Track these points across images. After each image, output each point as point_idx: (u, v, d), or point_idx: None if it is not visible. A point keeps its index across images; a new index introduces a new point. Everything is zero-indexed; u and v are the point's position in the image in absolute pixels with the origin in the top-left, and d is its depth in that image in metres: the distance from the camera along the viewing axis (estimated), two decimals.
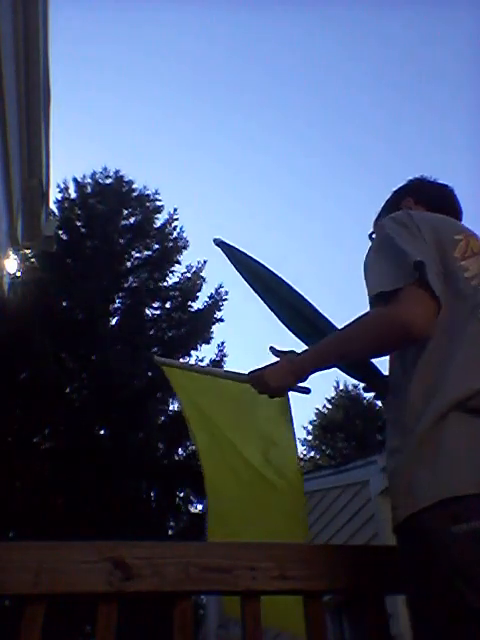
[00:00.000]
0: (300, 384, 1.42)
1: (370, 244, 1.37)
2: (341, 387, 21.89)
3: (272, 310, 1.78)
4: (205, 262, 13.70)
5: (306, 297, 1.73)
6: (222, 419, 2.53)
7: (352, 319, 1.26)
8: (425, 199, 1.57)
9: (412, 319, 1.14)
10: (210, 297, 13.15)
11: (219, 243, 1.89)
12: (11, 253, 5.33)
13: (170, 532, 10.61)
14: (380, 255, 1.28)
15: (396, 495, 1.11)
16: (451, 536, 0.97)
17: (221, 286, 13.22)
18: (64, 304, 11.89)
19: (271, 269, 1.84)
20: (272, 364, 1.43)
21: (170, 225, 14.07)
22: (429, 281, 1.14)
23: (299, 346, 1.55)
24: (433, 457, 1.05)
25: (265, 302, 1.81)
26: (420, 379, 1.15)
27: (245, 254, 1.87)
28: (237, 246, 1.89)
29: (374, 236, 1.39)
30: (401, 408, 1.16)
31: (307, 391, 1.49)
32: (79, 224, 13.33)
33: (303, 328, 1.71)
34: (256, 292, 1.82)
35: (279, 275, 1.81)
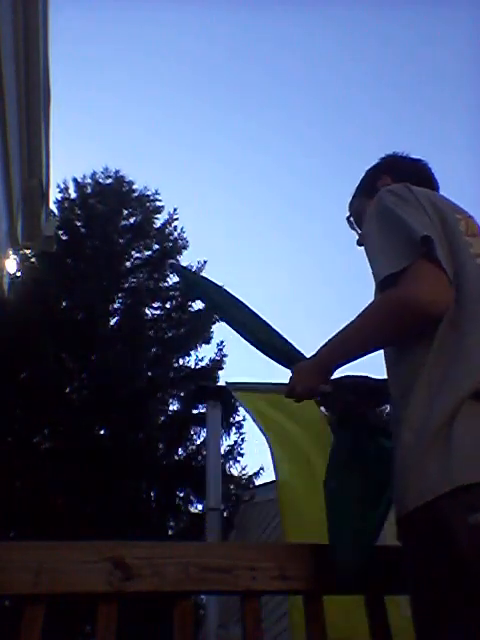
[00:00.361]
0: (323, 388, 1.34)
1: (369, 217, 1.31)
2: None
3: (235, 330, 1.67)
4: (205, 262, 13.70)
5: (259, 316, 1.63)
6: (299, 437, 2.46)
7: (366, 306, 1.22)
8: (403, 177, 1.49)
9: (427, 297, 1.09)
10: None
11: (172, 266, 1.86)
12: (11, 253, 5.33)
13: (170, 532, 10.60)
14: (383, 231, 1.23)
15: (407, 486, 1.06)
16: (468, 523, 0.95)
17: (222, 287, 13.23)
18: (64, 304, 11.88)
19: (224, 290, 1.77)
20: (296, 366, 1.40)
21: (170, 225, 14.07)
22: (438, 256, 1.10)
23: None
24: (447, 447, 1.02)
25: (225, 322, 1.73)
26: (431, 371, 1.11)
27: (199, 277, 1.85)
28: (190, 268, 1.83)
29: (371, 210, 1.31)
30: (411, 402, 1.11)
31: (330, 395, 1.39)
32: (79, 224, 13.33)
33: (268, 346, 1.60)
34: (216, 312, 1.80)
35: (230, 295, 1.73)
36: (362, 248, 1.49)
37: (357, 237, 1.60)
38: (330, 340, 1.31)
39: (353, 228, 1.63)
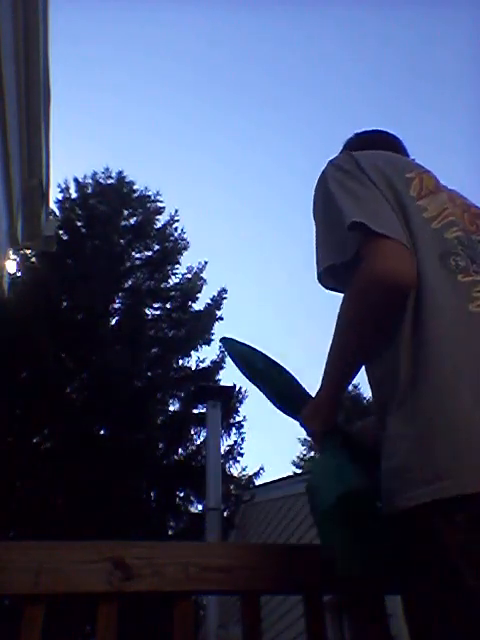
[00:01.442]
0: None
1: (315, 200, 1.23)
2: None
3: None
4: (206, 263, 13.72)
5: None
6: None
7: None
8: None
9: (389, 268, 1.01)
10: (211, 298, 13.16)
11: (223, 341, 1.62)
12: (11, 253, 5.33)
13: (170, 532, 10.60)
14: (325, 222, 1.16)
15: (408, 479, 0.98)
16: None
17: (223, 288, 13.25)
18: (64, 304, 11.89)
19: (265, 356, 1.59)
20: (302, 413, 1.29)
21: (171, 226, 14.08)
22: (377, 230, 1.02)
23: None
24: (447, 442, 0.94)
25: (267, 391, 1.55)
26: (410, 353, 1.01)
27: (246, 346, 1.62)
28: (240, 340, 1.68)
29: (316, 192, 1.23)
30: (395, 392, 1.03)
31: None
32: (79, 224, 13.33)
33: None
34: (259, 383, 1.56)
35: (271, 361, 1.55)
36: None
37: None
38: (323, 371, 1.20)
39: None
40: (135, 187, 14.34)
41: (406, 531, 0.99)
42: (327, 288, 1.23)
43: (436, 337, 1.00)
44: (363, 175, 1.14)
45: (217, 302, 13.10)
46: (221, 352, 12.48)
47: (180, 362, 12.47)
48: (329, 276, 1.17)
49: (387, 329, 1.06)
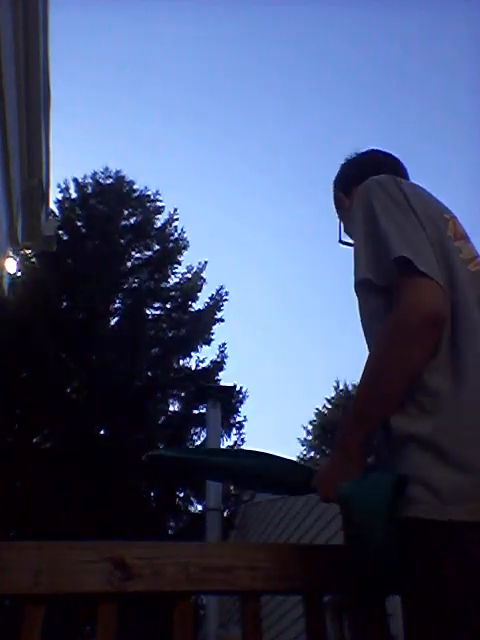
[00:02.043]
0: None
1: (354, 214, 1.25)
2: (341, 387, 21.92)
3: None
4: (206, 263, 13.71)
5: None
6: None
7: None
8: (350, 188, 1.45)
9: (426, 304, 1.06)
10: (211, 298, 13.15)
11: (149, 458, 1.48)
12: (11, 253, 5.33)
13: (170, 532, 10.61)
14: (366, 237, 1.18)
15: (428, 490, 1.00)
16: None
17: (222, 287, 13.25)
18: (64, 304, 11.89)
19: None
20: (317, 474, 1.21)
21: (170, 225, 14.07)
22: (423, 269, 1.06)
23: None
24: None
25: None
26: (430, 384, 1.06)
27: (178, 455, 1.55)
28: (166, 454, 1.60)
29: (357, 207, 1.24)
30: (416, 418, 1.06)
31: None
32: (79, 224, 13.33)
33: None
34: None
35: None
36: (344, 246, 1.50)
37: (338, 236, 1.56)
38: (346, 417, 1.18)
39: (348, 245, 1.58)
40: (135, 187, 14.34)
41: (426, 539, 1.00)
42: (357, 293, 1.24)
43: (474, 356, 1.06)
44: (408, 206, 1.18)
45: (217, 302, 13.10)
46: (221, 352, 12.50)
47: (180, 362, 12.47)
48: (363, 286, 1.20)
49: (425, 359, 1.09)
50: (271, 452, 1.35)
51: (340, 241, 1.56)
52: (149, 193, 14.28)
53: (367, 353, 1.18)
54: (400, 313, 1.08)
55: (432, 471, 1.00)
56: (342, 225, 1.55)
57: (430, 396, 1.06)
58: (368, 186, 1.25)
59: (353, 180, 1.45)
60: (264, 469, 1.31)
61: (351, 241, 1.50)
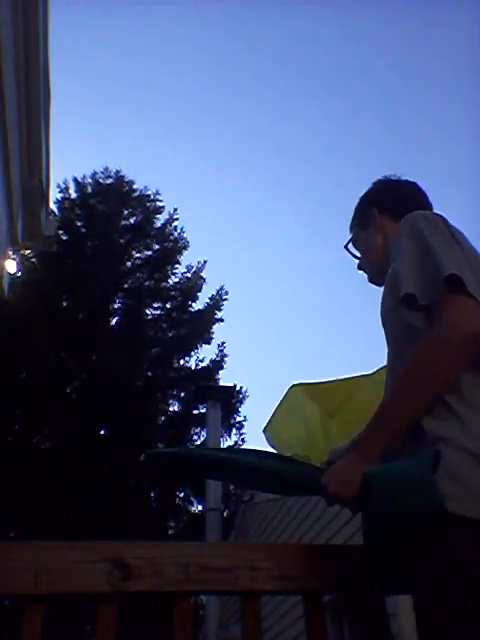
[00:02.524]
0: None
1: (399, 238, 1.31)
2: None
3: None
4: (205, 262, 13.72)
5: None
6: None
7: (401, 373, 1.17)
8: (389, 208, 1.53)
9: (465, 324, 1.11)
10: (210, 298, 13.16)
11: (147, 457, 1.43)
12: (11, 253, 5.33)
13: (170, 532, 10.61)
14: (414, 259, 1.23)
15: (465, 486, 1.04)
16: None
17: (222, 288, 13.26)
18: (64, 304, 11.90)
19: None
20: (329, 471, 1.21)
21: (170, 225, 14.08)
22: (473, 292, 1.12)
23: None
24: None
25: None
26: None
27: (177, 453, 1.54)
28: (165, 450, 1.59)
29: (403, 231, 1.31)
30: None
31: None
32: (79, 224, 13.33)
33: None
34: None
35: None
36: (362, 272, 1.60)
37: (357, 262, 1.63)
38: (370, 423, 1.21)
39: (352, 254, 1.65)
40: (134, 186, 14.34)
41: (458, 535, 1.03)
42: (405, 304, 1.25)
43: None
44: (454, 241, 1.25)
45: (217, 301, 13.11)
46: (220, 351, 12.51)
47: (180, 362, 12.48)
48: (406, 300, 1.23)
49: (458, 375, 1.14)
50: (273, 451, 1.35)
51: (346, 248, 1.64)
52: (149, 193, 14.29)
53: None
54: (442, 331, 1.13)
55: (466, 470, 1.05)
56: (357, 236, 1.62)
57: (464, 402, 1.12)
58: (417, 216, 1.33)
59: (391, 203, 1.54)
60: (267, 467, 1.30)
61: (357, 253, 1.62)
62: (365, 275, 1.62)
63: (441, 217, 1.32)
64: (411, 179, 1.61)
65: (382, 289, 1.42)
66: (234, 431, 11.76)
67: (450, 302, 1.13)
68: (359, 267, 1.62)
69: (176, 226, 14.06)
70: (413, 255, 1.24)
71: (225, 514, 9.42)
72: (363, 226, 1.59)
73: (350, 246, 1.65)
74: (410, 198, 1.53)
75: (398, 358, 1.28)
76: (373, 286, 1.58)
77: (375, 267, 1.55)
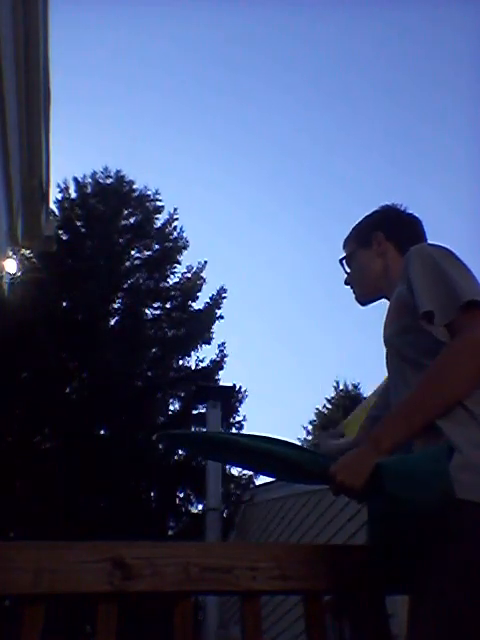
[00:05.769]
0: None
1: (412, 263, 1.36)
2: (341, 387, 21.91)
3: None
4: (205, 262, 13.70)
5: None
6: None
7: (429, 369, 1.23)
8: (396, 237, 1.58)
9: None
10: (210, 297, 13.15)
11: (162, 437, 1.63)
12: (11, 253, 5.33)
13: (170, 532, 10.61)
14: (433, 283, 1.28)
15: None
16: None
17: (222, 287, 13.25)
18: (64, 304, 11.89)
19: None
20: (340, 462, 1.22)
21: (170, 225, 14.06)
22: None
23: None
24: None
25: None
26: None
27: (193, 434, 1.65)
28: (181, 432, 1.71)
29: (414, 258, 1.37)
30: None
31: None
32: (79, 224, 13.32)
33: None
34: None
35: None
36: (348, 287, 1.66)
37: (345, 277, 1.68)
38: (390, 414, 1.29)
39: (343, 268, 1.69)
40: (134, 186, 14.33)
41: (475, 522, 1.06)
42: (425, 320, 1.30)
43: None
44: (467, 270, 1.33)
45: (217, 301, 13.10)
46: (220, 351, 12.50)
47: (180, 362, 12.47)
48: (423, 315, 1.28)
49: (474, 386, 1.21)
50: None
51: (340, 261, 1.69)
52: (149, 193, 14.26)
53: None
54: (461, 346, 1.21)
55: None
56: (354, 253, 1.65)
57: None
58: (427, 249, 1.40)
59: (400, 234, 1.59)
60: (275, 451, 1.30)
61: (348, 269, 1.67)
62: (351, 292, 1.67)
63: (453, 252, 1.38)
64: (416, 214, 1.67)
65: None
66: (234, 431, 11.75)
67: (472, 316, 1.21)
68: (346, 282, 1.67)
69: (176, 226, 14.04)
70: (432, 279, 1.29)
71: (225, 514, 9.42)
72: (363, 245, 1.62)
73: (344, 261, 1.69)
74: (418, 237, 1.59)
75: (401, 386, 1.34)
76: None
77: (366, 287, 1.62)
